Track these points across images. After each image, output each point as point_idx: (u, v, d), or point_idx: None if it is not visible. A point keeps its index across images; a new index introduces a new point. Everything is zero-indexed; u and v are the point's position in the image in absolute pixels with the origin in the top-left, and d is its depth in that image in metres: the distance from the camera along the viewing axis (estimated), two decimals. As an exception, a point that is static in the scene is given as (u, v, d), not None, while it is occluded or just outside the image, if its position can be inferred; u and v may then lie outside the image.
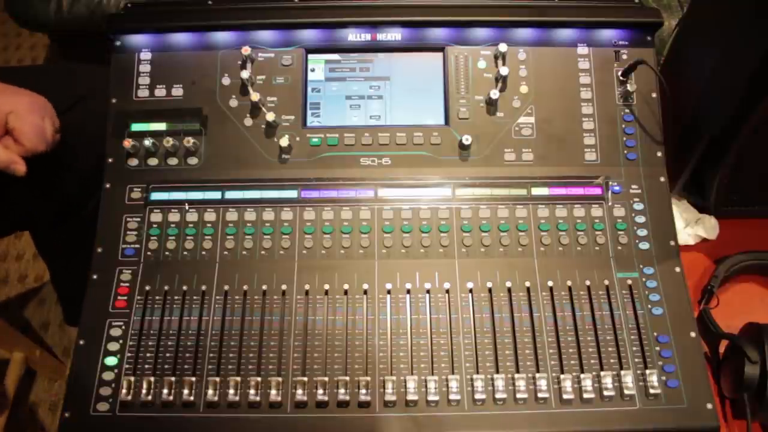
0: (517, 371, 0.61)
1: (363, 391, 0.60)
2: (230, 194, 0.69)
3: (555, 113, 0.71)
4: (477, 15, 0.72)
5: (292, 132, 0.71)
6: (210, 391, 0.60)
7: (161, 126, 0.71)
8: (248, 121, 0.71)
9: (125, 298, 0.65)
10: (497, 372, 0.61)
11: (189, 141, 0.69)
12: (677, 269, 0.67)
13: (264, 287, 0.65)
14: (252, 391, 0.60)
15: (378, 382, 0.61)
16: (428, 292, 0.65)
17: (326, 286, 0.65)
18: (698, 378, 0.62)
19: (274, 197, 0.69)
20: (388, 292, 0.65)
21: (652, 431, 0.60)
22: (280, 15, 0.72)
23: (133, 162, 0.70)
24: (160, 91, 0.72)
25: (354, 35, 0.73)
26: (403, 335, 0.63)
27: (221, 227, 0.68)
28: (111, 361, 0.62)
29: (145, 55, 0.72)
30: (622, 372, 0.61)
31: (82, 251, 0.71)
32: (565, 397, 0.60)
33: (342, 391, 0.60)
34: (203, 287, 0.65)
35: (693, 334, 0.64)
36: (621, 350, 0.62)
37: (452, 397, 0.60)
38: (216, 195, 0.69)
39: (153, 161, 0.70)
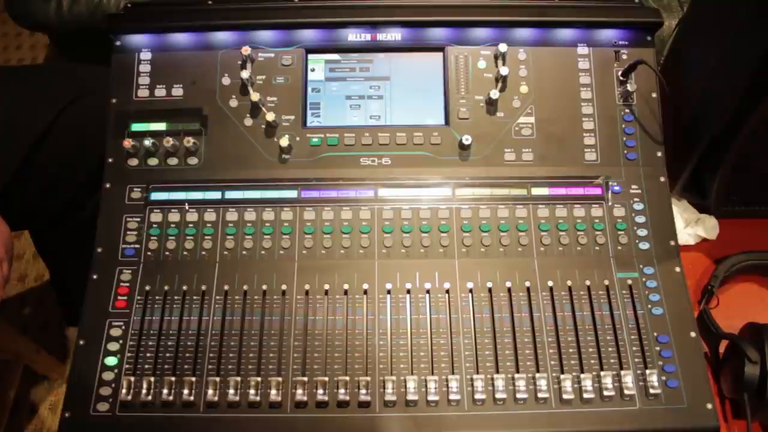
0: (517, 371, 0.61)
1: (363, 391, 0.60)
2: (230, 194, 0.69)
3: (555, 113, 0.71)
4: (477, 15, 0.72)
5: (292, 132, 0.71)
6: (210, 391, 0.60)
7: (161, 126, 0.71)
8: (248, 121, 0.71)
9: (125, 298, 0.65)
10: (497, 372, 0.61)
11: (189, 141, 0.69)
12: (677, 269, 0.67)
13: (264, 287, 0.65)
14: (252, 391, 0.60)
15: (378, 382, 0.61)
16: (428, 292, 0.65)
17: (326, 286, 0.65)
18: (698, 378, 0.62)
19: (274, 197, 0.69)
20: (388, 292, 0.65)
21: (652, 431, 0.60)
22: (280, 15, 0.72)
23: (133, 162, 0.70)
24: (160, 91, 0.72)
25: (354, 35, 0.73)
26: (403, 335, 0.63)
27: (221, 227, 0.68)
28: (111, 361, 0.62)
29: (145, 55, 0.72)
30: (622, 372, 0.61)
31: (82, 251, 0.71)
32: (565, 397, 0.60)
33: (342, 391, 0.60)
34: (203, 287, 0.65)
35: (693, 334, 0.64)
36: (621, 350, 0.62)
37: (452, 397, 0.60)
38: (216, 195, 0.69)
39: (153, 161, 0.70)
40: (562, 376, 0.61)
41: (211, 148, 0.71)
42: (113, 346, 0.62)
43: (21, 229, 1.12)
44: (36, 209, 0.89)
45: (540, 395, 0.60)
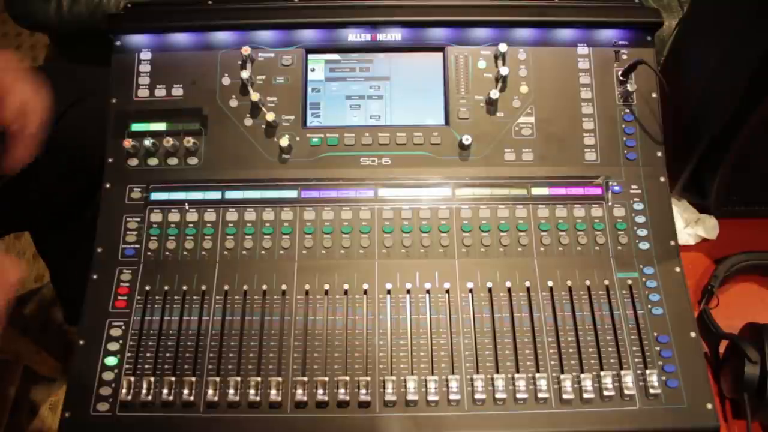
0: (517, 371, 0.61)
1: (363, 391, 0.60)
2: (230, 194, 0.69)
3: (555, 113, 0.71)
4: (477, 15, 0.72)
5: (292, 132, 0.71)
6: (210, 391, 0.60)
7: (161, 126, 0.71)
8: (248, 121, 0.71)
9: (125, 298, 0.65)
10: (497, 372, 0.61)
11: (189, 141, 0.69)
12: (677, 269, 0.67)
13: (264, 287, 0.65)
14: (252, 391, 0.60)
15: (378, 382, 0.61)
16: (428, 292, 0.65)
17: (326, 286, 0.65)
18: (698, 378, 0.62)
19: (274, 197, 0.69)
20: (388, 292, 0.65)
21: (652, 431, 0.60)
22: (280, 15, 0.72)
23: (133, 162, 0.70)
24: (160, 91, 0.72)
25: (354, 35, 0.73)
26: (403, 335, 0.63)
27: (221, 227, 0.68)
28: (111, 361, 0.62)
29: (145, 55, 0.72)
30: (622, 372, 0.61)
31: (82, 251, 0.71)
32: (565, 397, 0.60)
33: (342, 391, 0.60)
34: (203, 287, 0.65)
35: (693, 334, 0.64)
36: (621, 350, 0.62)
37: (452, 397, 0.60)
38: (216, 195, 0.69)
39: (153, 161, 0.70)
40: (562, 376, 0.61)
41: (211, 148, 0.71)
42: (113, 346, 0.62)
43: (22, 230, 1.13)
44: (36, 211, 0.89)
45: (540, 395, 0.60)
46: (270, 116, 0.69)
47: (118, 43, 0.73)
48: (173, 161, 0.70)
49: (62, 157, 0.79)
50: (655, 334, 0.63)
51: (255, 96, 0.70)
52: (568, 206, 0.69)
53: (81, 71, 0.92)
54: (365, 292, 0.65)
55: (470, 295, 0.65)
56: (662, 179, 0.70)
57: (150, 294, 0.65)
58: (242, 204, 0.69)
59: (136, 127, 0.71)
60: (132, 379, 0.61)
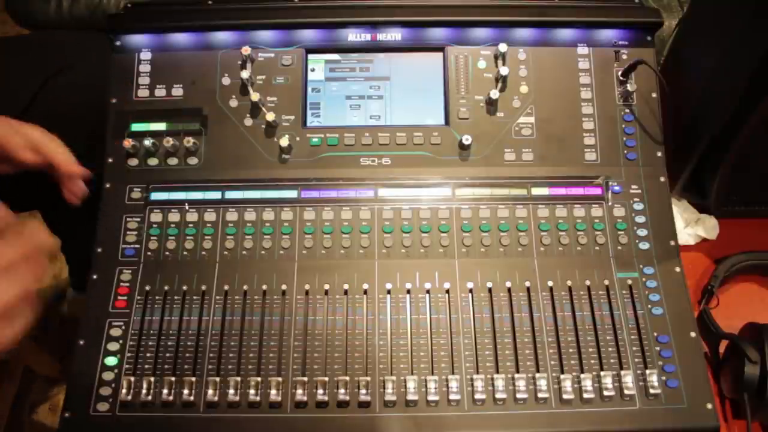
0: (517, 371, 0.61)
1: (363, 391, 0.60)
2: (230, 194, 0.69)
3: (555, 113, 0.71)
4: (477, 15, 0.72)
5: (292, 132, 0.71)
6: (210, 391, 0.60)
7: (161, 126, 0.71)
8: (248, 121, 0.71)
9: (125, 298, 0.65)
10: (497, 372, 0.61)
11: (189, 141, 0.69)
12: (677, 269, 0.67)
13: (264, 287, 0.65)
14: (252, 391, 0.60)
15: (378, 382, 0.61)
16: (428, 292, 0.65)
17: (326, 286, 0.65)
18: (698, 378, 0.62)
19: (274, 197, 0.69)
20: (388, 292, 0.65)
21: (652, 431, 0.60)
22: (280, 15, 0.72)
23: (133, 162, 0.70)
24: (160, 91, 0.72)
25: (354, 35, 0.73)
26: (403, 335, 0.63)
27: (221, 227, 0.68)
28: (111, 361, 0.62)
29: (145, 55, 0.72)
30: (622, 372, 0.61)
31: (89, 216, 0.70)
32: (565, 397, 0.60)
33: (342, 391, 0.60)
34: (203, 287, 0.65)
35: (693, 334, 0.64)
36: (621, 350, 0.62)
37: (452, 397, 0.60)
38: (216, 195, 0.69)
39: (153, 161, 0.70)
40: (562, 376, 0.61)
41: (211, 148, 0.71)
42: (113, 346, 0.62)
43: (26, 210, 1.11)
44: (34, 186, 0.88)
45: (540, 395, 0.60)
46: (270, 116, 0.69)
47: (118, 43, 0.73)
48: (173, 161, 0.70)
49: (47, 126, 0.78)
50: (655, 334, 0.63)
51: (255, 96, 0.70)
52: (568, 206, 0.69)
53: (67, 40, 0.90)
54: (365, 292, 0.65)
55: (470, 295, 0.65)
56: (662, 179, 0.70)
57: (150, 294, 0.65)
58: (242, 204, 0.69)
59: (136, 127, 0.71)
60: (132, 379, 0.61)
